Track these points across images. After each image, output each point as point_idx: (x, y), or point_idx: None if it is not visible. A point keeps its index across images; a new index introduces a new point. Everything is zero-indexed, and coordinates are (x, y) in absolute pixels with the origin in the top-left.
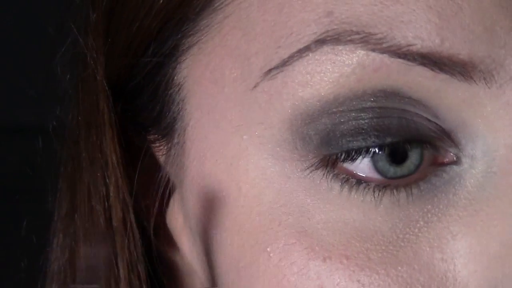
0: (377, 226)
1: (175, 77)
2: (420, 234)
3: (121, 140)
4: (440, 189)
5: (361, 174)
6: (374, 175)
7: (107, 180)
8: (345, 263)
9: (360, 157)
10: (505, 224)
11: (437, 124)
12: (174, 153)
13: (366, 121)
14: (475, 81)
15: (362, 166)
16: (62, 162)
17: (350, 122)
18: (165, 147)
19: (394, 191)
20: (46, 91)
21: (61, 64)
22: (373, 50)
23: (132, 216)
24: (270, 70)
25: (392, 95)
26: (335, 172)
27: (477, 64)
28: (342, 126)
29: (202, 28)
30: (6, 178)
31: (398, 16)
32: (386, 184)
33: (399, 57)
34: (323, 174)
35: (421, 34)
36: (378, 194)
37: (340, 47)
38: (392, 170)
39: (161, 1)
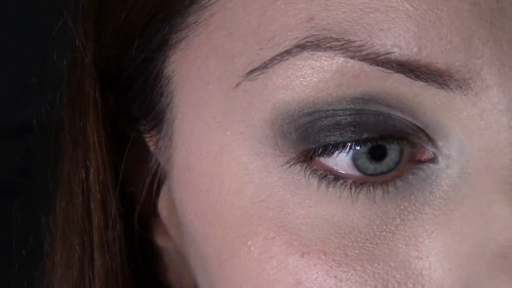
0: (354, 222)
1: (164, 70)
2: (396, 232)
3: (107, 126)
4: (416, 187)
5: (340, 171)
6: (353, 172)
7: (88, 163)
8: (323, 259)
9: (337, 151)
10: (478, 224)
11: (414, 123)
12: (163, 145)
13: (343, 117)
14: (451, 88)
15: (342, 164)
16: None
17: (328, 118)
18: (155, 138)
19: (371, 188)
20: (44, 89)
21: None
22: (352, 57)
23: (112, 199)
24: (251, 71)
25: (370, 101)
26: (313, 168)
27: (453, 73)
28: (320, 122)
29: (189, 24)
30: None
31: (378, 24)
32: (364, 181)
33: (378, 64)
34: (302, 169)
35: (400, 43)
36: (355, 191)
37: (320, 53)
38: (372, 167)
39: None
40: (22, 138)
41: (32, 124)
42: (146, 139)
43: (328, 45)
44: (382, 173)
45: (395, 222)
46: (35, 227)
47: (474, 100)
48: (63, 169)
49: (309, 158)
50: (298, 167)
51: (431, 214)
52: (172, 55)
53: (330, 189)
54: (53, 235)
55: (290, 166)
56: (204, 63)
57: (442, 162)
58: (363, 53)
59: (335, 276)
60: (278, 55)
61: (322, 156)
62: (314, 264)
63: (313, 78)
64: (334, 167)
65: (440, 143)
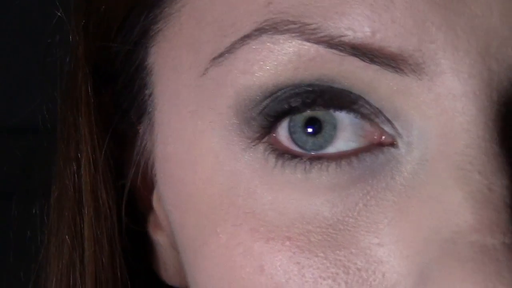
0: (318, 206)
1: (145, 62)
2: (359, 217)
3: (99, 120)
4: (378, 170)
5: (294, 149)
6: (292, 146)
7: (79, 155)
8: (287, 245)
9: (281, 120)
10: (433, 211)
11: (373, 104)
12: (147, 136)
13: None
14: (406, 73)
15: (282, 138)
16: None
17: (286, 93)
18: (141, 130)
19: (325, 163)
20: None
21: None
22: (308, 40)
23: (103, 191)
24: (215, 58)
25: (327, 84)
26: (273, 147)
27: (407, 58)
28: (278, 98)
29: (165, 15)
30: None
31: (333, 7)
32: (317, 158)
33: (332, 47)
34: (264, 151)
35: (353, 26)
36: (308, 168)
37: (278, 36)
38: (310, 141)
39: None
40: (22, 138)
41: (32, 124)
42: (139, 132)
43: (285, 28)
44: (321, 147)
45: (357, 207)
46: (35, 227)
47: (429, 85)
48: (57, 162)
49: (267, 134)
50: (261, 148)
51: (392, 200)
52: (151, 46)
53: (287, 171)
54: (48, 227)
55: (255, 149)
56: (177, 53)
57: (402, 147)
58: (318, 35)
59: (298, 263)
60: (239, 40)
61: (273, 128)
62: (279, 250)
63: (272, 62)
64: (290, 146)
65: (399, 129)
